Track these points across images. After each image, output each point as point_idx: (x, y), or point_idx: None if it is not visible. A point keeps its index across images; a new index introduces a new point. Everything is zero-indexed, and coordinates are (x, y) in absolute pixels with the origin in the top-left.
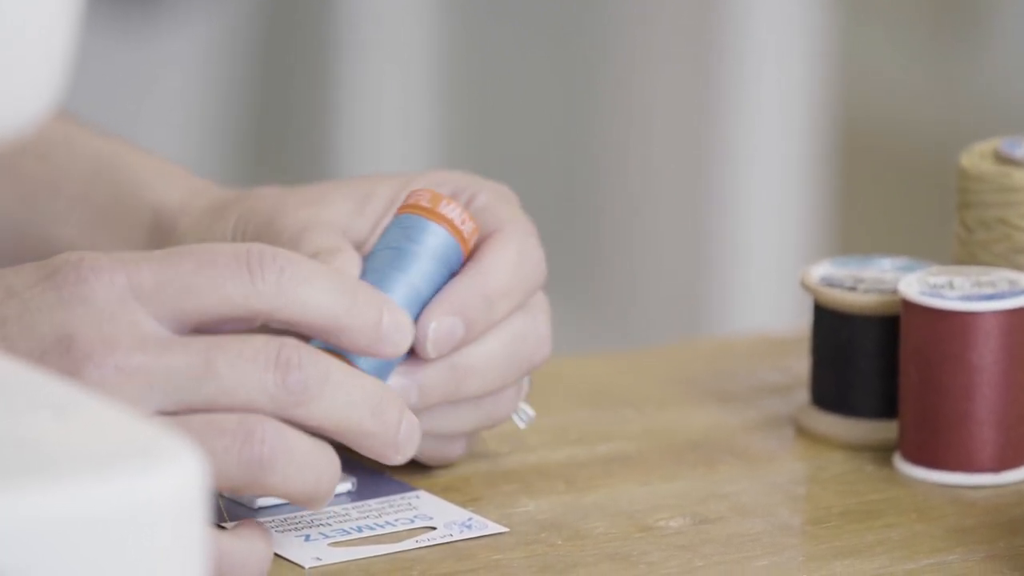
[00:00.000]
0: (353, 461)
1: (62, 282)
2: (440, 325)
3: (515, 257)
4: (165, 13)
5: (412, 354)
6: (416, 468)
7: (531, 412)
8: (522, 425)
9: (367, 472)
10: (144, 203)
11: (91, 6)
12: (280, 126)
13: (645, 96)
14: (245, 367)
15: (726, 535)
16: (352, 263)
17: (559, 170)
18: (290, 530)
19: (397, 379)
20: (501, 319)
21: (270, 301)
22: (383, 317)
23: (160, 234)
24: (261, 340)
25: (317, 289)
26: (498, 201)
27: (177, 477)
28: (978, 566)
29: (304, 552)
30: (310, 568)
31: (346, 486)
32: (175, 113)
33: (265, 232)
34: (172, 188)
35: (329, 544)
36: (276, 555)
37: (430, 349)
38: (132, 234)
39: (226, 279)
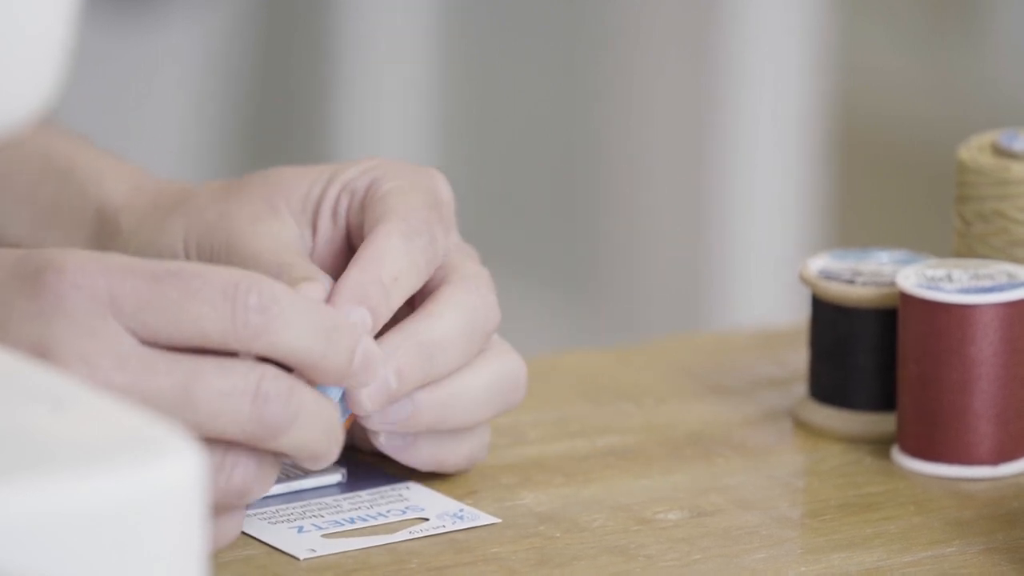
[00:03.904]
0: (343, 452)
1: (42, 290)
2: (352, 315)
3: (399, 243)
4: (163, 8)
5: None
6: None
7: None
8: None
9: (358, 463)
10: (88, 202)
11: (89, 1)
12: (279, 121)
13: (644, 90)
14: (222, 401)
15: (724, 528)
16: (320, 287)
17: (558, 164)
18: (282, 521)
19: None
20: (397, 305)
21: (247, 343)
22: (355, 356)
23: (104, 233)
24: (241, 370)
25: (296, 334)
26: (402, 190)
27: (175, 470)
28: (976, 558)
29: (298, 543)
30: (305, 560)
31: (336, 477)
32: (173, 108)
33: (227, 259)
34: (116, 186)
35: (322, 535)
36: (270, 547)
37: None
38: (77, 233)
39: (207, 316)
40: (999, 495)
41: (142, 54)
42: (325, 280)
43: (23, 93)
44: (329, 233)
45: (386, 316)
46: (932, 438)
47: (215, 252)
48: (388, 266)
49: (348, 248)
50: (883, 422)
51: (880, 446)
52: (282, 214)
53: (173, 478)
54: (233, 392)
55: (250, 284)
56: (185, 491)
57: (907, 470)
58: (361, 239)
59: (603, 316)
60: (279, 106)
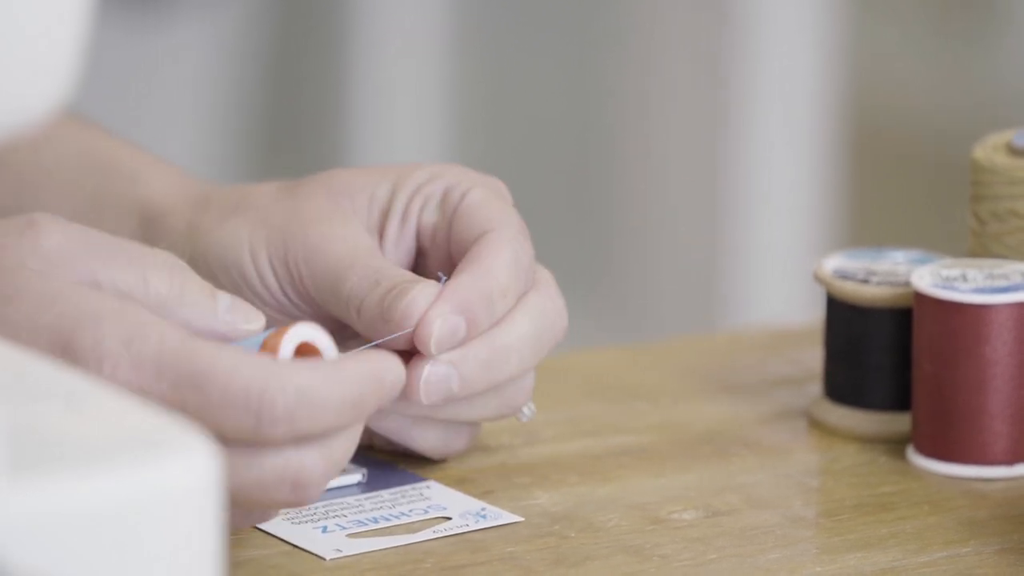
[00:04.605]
0: (362, 453)
1: (76, 368)
2: (445, 324)
3: (511, 257)
4: (175, 5)
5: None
6: (428, 460)
7: (533, 407)
8: (524, 419)
9: (376, 463)
10: (132, 196)
11: None
12: (291, 119)
13: (659, 90)
14: (257, 491)
15: (739, 527)
16: (431, 291)
17: (571, 163)
18: (306, 522)
19: (437, 368)
20: (499, 317)
21: (274, 444)
22: (383, 399)
23: (150, 232)
24: (275, 464)
25: (322, 423)
26: (491, 198)
27: (190, 467)
28: (991, 558)
29: (324, 543)
30: (331, 560)
31: (356, 477)
32: (186, 106)
33: (308, 266)
34: (160, 186)
35: (347, 535)
36: (295, 547)
37: (433, 347)
38: (120, 227)
39: (231, 428)
40: (1014, 495)
41: (155, 51)
42: (428, 284)
43: (40, 90)
44: (396, 235)
45: (483, 330)
46: (947, 438)
47: (290, 259)
48: (499, 279)
49: (417, 249)
50: (898, 422)
51: (895, 446)
52: (349, 216)
53: (187, 476)
54: (266, 483)
55: (273, 393)
56: (199, 489)
57: (922, 470)
58: (436, 241)
59: (617, 315)
60: (292, 104)
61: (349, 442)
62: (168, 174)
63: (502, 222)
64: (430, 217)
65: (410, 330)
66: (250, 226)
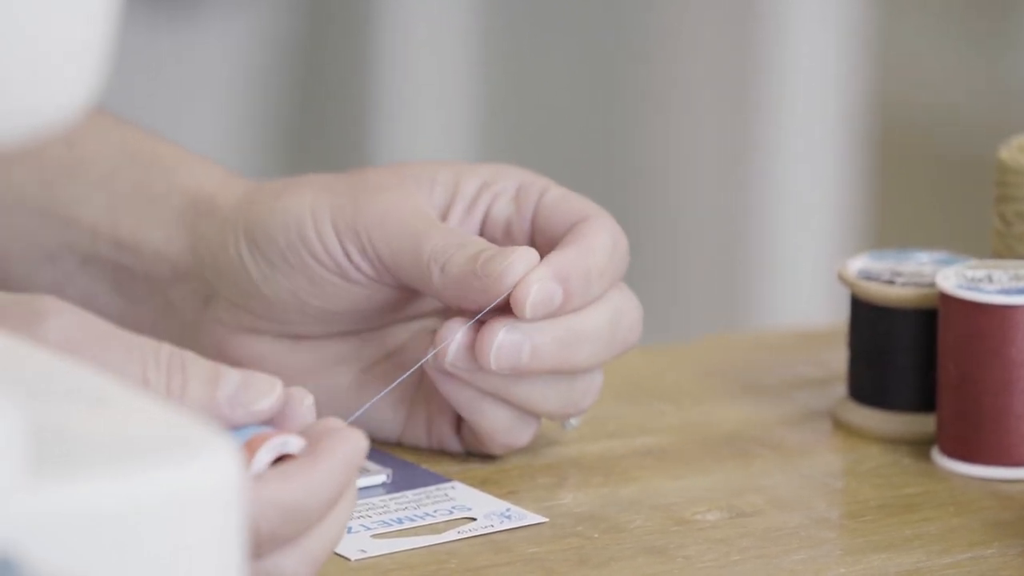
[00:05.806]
0: (386, 453)
1: None
2: (543, 288)
3: (611, 241)
4: (202, 3)
5: (508, 310)
6: (451, 460)
7: (579, 419)
8: (568, 428)
9: (401, 463)
10: (178, 184)
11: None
12: (317, 117)
13: (683, 89)
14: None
15: (763, 528)
16: (531, 257)
17: (596, 162)
18: None
19: (512, 334)
20: (592, 299)
21: (257, 556)
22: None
23: (198, 212)
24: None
25: (307, 526)
26: (573, 194)
27: (213, 468)
28: (1016, 560)
29: (348, 544)
30: (356, 560)
31: (380, 478)
32: (211, 103)
33: (383, 234)
34: (206, 171)
35: (372, 536)
36: None
37: (528, 310)
38: (161, 216)
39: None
40: None
41: (182, 49)
42: (528, 250)
43: (67, 88)
44: (459, 222)
45: (579, 305)
46: (971, 439)
47: (360, 223)
48: (599, 258)
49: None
50: (922, 423)
51: (919, 447)
52: (415, 193)
53: (210, 477)
54: None
55: (257, 519)
56: (222, 490)
57: (946, 471)
58: (510, 235)
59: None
60: (317, 102)
61: (334, 534)
62: (212, 166)
63: (597, 211)
64: (503, 211)
65: (504, 296)
66: (313, 194)
